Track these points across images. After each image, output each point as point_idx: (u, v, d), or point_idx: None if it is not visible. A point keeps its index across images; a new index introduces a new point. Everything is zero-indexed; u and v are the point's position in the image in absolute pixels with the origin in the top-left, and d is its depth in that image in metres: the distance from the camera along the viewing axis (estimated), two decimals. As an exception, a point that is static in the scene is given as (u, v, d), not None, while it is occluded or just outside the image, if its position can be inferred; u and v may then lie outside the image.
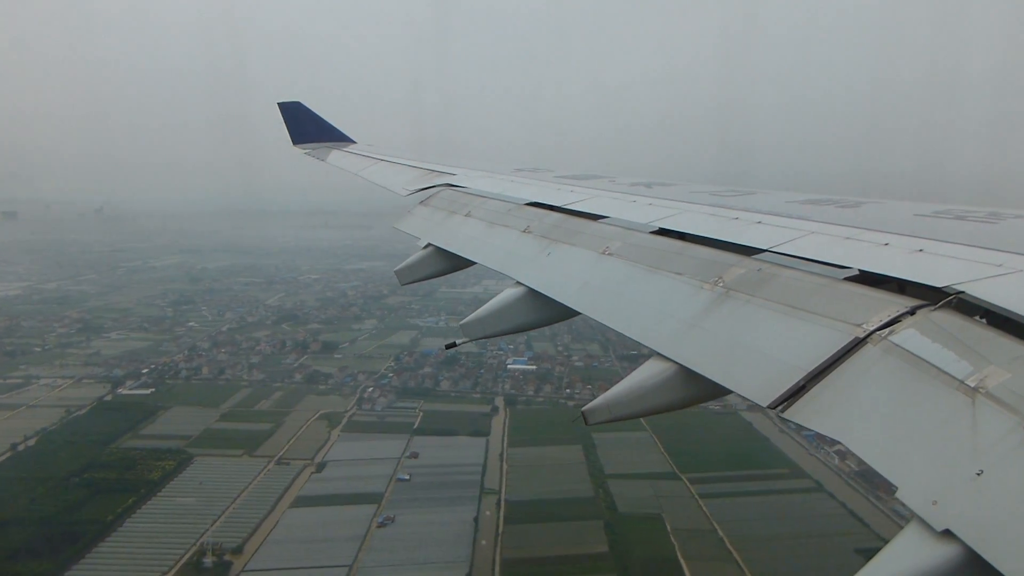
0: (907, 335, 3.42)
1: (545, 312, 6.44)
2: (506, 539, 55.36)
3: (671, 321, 4.81)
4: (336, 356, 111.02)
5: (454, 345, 7.76)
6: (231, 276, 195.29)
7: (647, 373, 4.49)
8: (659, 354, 4.52)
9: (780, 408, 3.53)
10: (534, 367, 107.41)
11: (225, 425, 77.90)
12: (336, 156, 17.58)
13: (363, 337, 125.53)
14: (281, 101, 19.90)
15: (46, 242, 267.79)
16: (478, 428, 79.67)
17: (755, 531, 58.36)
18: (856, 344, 3.54)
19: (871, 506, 63.68)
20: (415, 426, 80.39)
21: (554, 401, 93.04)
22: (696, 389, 4.35)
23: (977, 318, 3.51)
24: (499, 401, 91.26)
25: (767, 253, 5.10)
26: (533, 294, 6.39)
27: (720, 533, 57.48)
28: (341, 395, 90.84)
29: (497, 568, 51.25)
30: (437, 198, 10.77)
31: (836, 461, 73.05)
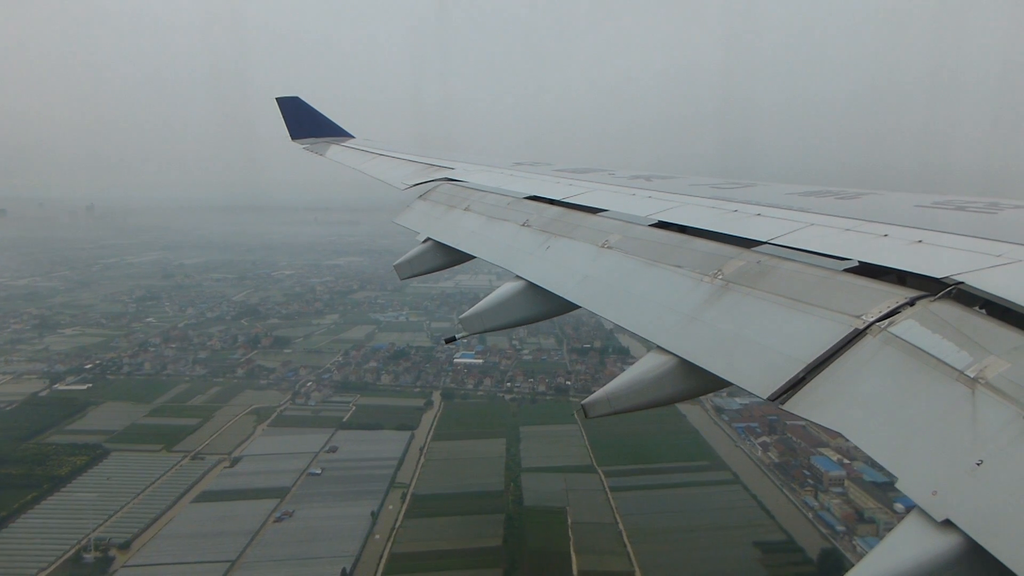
0: (907, 326, 3.41)
1: (544, 306, 6.44)
2: (401, 533, 55.14)
3: (671, 314, 4.78)
4: (286, 351, 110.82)
5: (453, 340, 7.69)
6: (205, 272, 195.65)
7: (647, 366, 4.46)
8: (659, 347, 4.48)
9: (780, 400, 3.50)
10: (481, 361, 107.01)
11: (153, 420, 77.82)
12: (335, 151, 17.61)
13: (319, 332, 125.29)
14: (279, 96, 19.77)
15: (31, 239, 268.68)
16: (406, 422, 79.43)
17: (657, 524, 58.00)
18: (856, 335, 3.53)
19: (784, 499, 63.30)
20: (344, 420, 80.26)
21: (492, 395, 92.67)
22: (696, 382, 4.33)
23: (977, 308, 3.49)
24: (436, 395, 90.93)
25: (767, 245, 5.08)
26: (532, 288, 6.38)
27: (620, 526, 57.14)
28: (279, 390, 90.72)
29: (383, 562, 51.01)
30: (436, 192, 10.71)
31: (759, 453, 72.62)
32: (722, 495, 64.14)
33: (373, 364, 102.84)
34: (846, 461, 68.31)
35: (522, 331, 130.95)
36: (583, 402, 4.63)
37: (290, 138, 19.56)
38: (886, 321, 3.54)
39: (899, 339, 3.37)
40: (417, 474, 66.07)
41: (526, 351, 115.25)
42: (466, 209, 9.31)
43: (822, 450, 70.98)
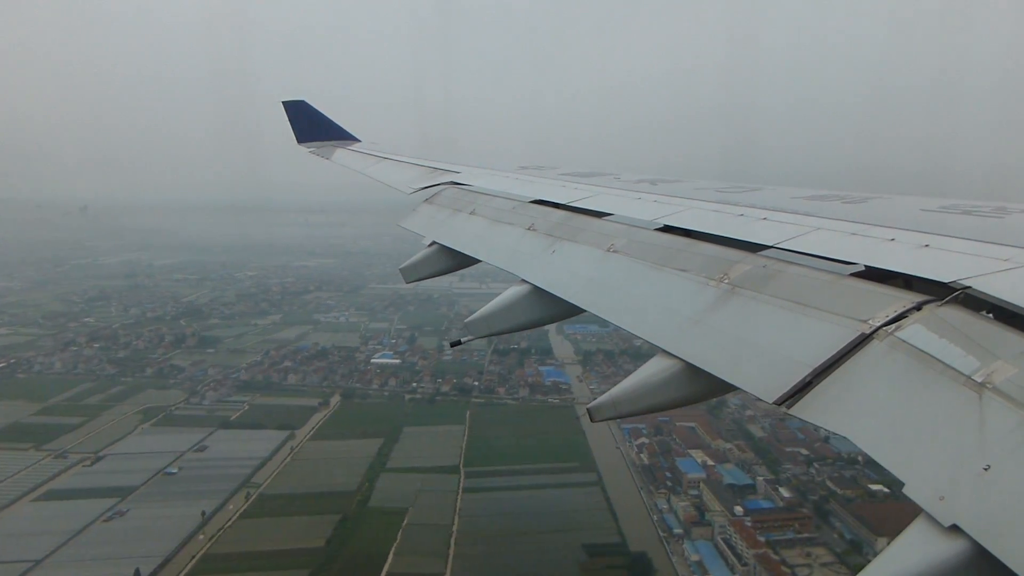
0: (913, 331, 3.43)
1: (550, 309, 6.49)
2: (229, 533, 54.65)
3: (676, 318, 4.83)
4: (208, 351, 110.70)
5: (458, 343, 7.81)
6: (170, 272, 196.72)
7: (652, 370, 4.49)
8: (664, 351, 4.52)
9: (786, 404, 3.51)
10: (398, 361, 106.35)
11: (38, 419, 78.03)
12: (341, 155, 17.75)
13: (252, 332, 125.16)
14: (286, 100, 19.90)
15: (14, 240, 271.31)
16: (291, 422, 78.88)
17: (495, 526, 57.02)
18: (862, 340, 3.55)
19: (639, 500, 62.08)
20: (230, 419, 79.91)
21: (396, 395, 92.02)
22: (701, 386, 4.36)
23: (984, 313, 3.50)
24: (338, 395, 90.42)
25: (772, 249, 5.11)
26: (538, 292, 6.41)
27: (455, 528, 56.25)
28: (181, 389, 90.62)
29: (193, 562, 50.49)
30: (442, 196, 10.81)
31: (634, 454, 71.25)
32: (576, 497, 63.00)
33: (287, 364, 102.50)
34: (710, 463, 66.97)
35: (453, 331, 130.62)
36: (588, 406, 4.62)
37: (296, 142, 19.67)
38: (893, 326, 3.51)
39: (906, 344, 3.35)
40: (275, 474, 65.52)
41: (449, 351, 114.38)
42: (471, 213, 9.36)
43: (693, 452, 69.65)
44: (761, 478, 64.14)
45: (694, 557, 51.89)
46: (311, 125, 19.60)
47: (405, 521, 56.80)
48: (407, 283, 9.42)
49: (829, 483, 63.58)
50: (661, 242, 6.08)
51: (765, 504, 59.60)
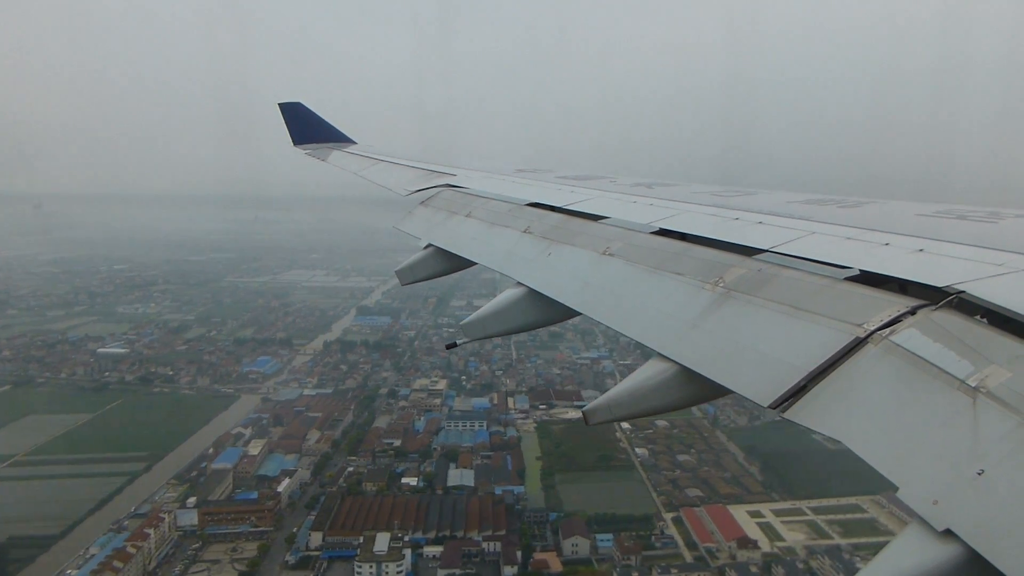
0: (908, 335, 3.44)
1: (545, 312, 6.53)
2: None
3: (672, 321, 4.86)
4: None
5: (454, 345, 7.82)
6: (41, 266, 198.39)
7: (648, 373, 4.48)
8: (660, 354, 4.54)
9: (781, 408, 3.49)
10: (126, 351, 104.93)
11: None
12: (337, 156, 18.08)
13: (28, 323, 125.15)
14: (282, 102, 20.31)
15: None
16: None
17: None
18: (857, 344, 3.55)
19: (147, 489, 60.36)
20: None
21: (73, 383, 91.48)
22: (696, 389, 4.36)
23: (978, 318, 3.51)
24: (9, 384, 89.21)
25: (768, 253, 5.12)
26: (533, 294, 6.46)
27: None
28: None
29: None
30: (438, 198, 10.94)
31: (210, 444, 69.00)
32: (99, 486, 61.45)
33: (36, 353, 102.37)
34: (251, 454, 64.43)
35: (233, 322, 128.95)
36: (584, 409, 4.62)
37: (292, 143, 19.89)
38: (887, 330, 3.51)
39: (900, 348, 3.36)
40: None
41: (193, 342, 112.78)
42: (467, 215, 9.38)
43: (256, 442, 67.22)
44: (290, 468, 61.65)
45: (93, 551, 49.77)
46: (307, 127, 19.75)
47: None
48: (402, 285, 9.40)
49: (363, 475, 60.91)
50: (657, 246, 6.07)
51: (253, 495, 57.24)
